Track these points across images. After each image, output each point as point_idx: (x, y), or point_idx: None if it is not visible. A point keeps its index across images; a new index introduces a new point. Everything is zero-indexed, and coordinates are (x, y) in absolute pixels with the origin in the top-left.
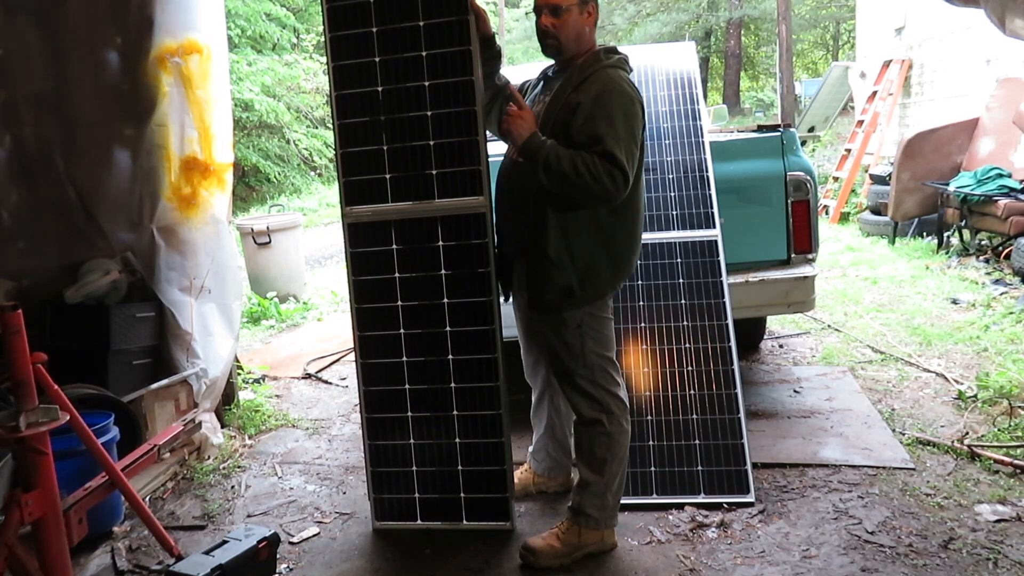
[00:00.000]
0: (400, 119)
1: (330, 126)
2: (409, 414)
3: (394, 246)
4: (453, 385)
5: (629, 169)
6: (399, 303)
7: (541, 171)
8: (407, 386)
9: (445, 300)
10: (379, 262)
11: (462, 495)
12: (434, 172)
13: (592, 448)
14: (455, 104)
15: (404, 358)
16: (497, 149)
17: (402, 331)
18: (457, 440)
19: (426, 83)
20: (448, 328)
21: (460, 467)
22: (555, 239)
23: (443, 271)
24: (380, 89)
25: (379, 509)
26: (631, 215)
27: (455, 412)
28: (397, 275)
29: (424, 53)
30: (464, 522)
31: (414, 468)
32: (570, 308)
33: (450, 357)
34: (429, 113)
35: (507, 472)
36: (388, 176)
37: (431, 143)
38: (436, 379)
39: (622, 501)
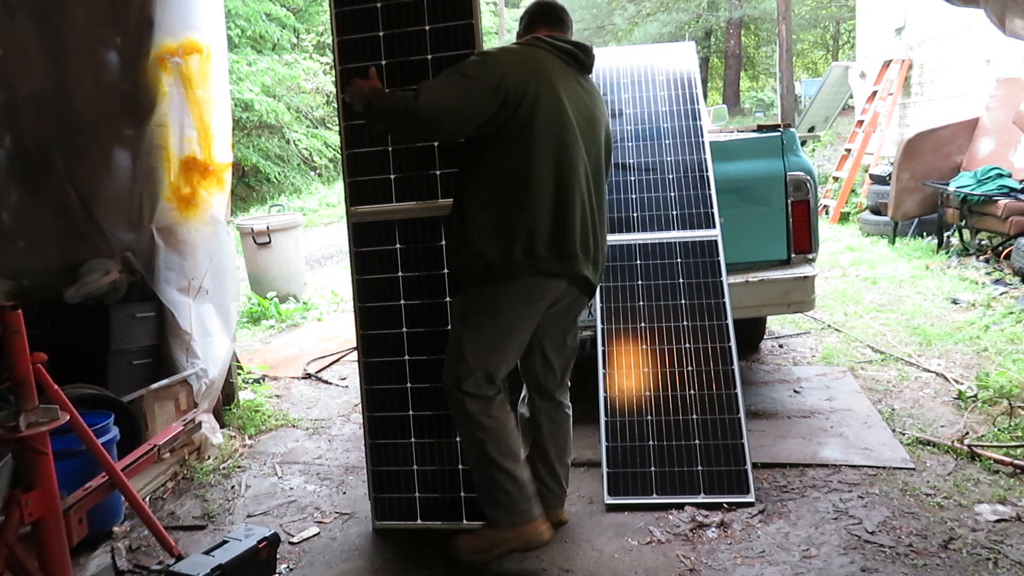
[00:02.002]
0: None
1: (330, 126)
2: (411, 413)
3: (398, 245)
4: (409, 385)
5: (431, 96)
6: (402, 302)
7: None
8: (408, 384)
9: (448, 299)
10: (383, 261)
11: (462, 494)
12: (438, 172)
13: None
14: None
15: (407, 356)
16: None
17: (404, 330)
18: (457, 439)
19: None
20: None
21: (460, 467)
22: (453, 218)
23: (446, 270)
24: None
25: (379, 509)
26: (516, 187)
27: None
28: (400, 274)
29: (429, 56)
30: (464, 522)
31: (415, 467)
32: (459, 288)
33: None
34: None
35: None
36: (392, 176)
37: (434, 144)
38: (439, 378)
39: (622, 501)
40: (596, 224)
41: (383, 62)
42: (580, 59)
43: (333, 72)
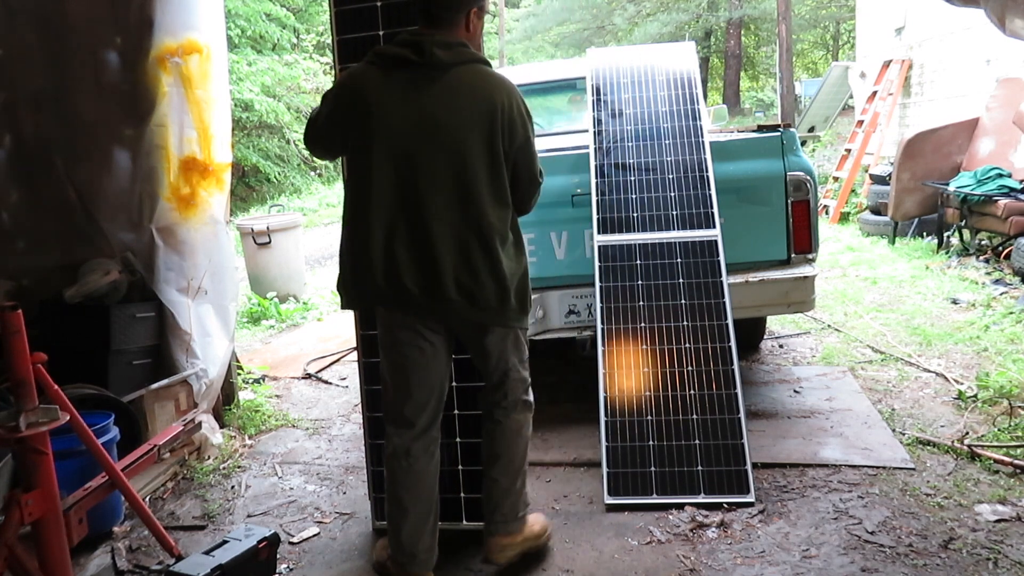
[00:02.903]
0: None
1: None
2: None
3: None
4: (454, 384)
5: (312, 127)
6: None
7: None
8: None
9: None
10: None
11: (462, 495)
12: None
13: None
14: None
15: None
16: None
17: None
18: (458, 439)
19: None
20: None
21: (460, 467)
22: None
23: None
24: None
25: (379, 509)
26: (347, 208)
27: (456, 411)
28: None
29: None
30: (464, 522)
31: None
32: None
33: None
34: None
35: None
36: None
37: None
38: None
39: (622, 501)
40: (446, 250)
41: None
42: (404, 61)
43: (333, 72)
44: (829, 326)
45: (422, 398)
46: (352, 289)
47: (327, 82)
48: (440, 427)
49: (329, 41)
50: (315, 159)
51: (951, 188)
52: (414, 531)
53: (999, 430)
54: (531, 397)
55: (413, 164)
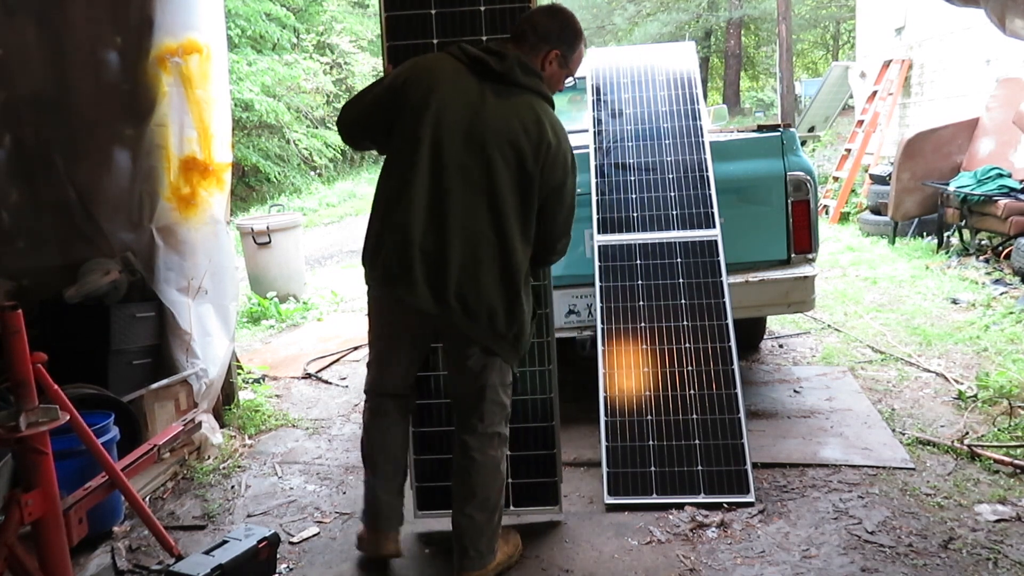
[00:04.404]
0: None
1: (330, 126)
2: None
3: None
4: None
5: (358, 103)
6: None
7: None
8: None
9: None
10: None
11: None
12: None
13: None
14: None
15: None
16: None
17: None
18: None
19: None
20: None
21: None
22: None
23: None
24: None
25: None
26: (379, 191)
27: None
28: None
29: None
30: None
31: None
32: None
33: None
34: None
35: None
36: None
37: None
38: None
39: (622, 501)
40: (457, 249)
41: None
42: (484, 67)
43: (380, 50)
44: (829, 326)
45: (394, 374)
46: (369, 268)
47: (327, 82)
48: (416, 391)
49: (329, 41)
50: (348, 147)
51: (951, 188)
52: (382, 489)
53: (999, 430)
54: (506, 431)
55: (453, 165)
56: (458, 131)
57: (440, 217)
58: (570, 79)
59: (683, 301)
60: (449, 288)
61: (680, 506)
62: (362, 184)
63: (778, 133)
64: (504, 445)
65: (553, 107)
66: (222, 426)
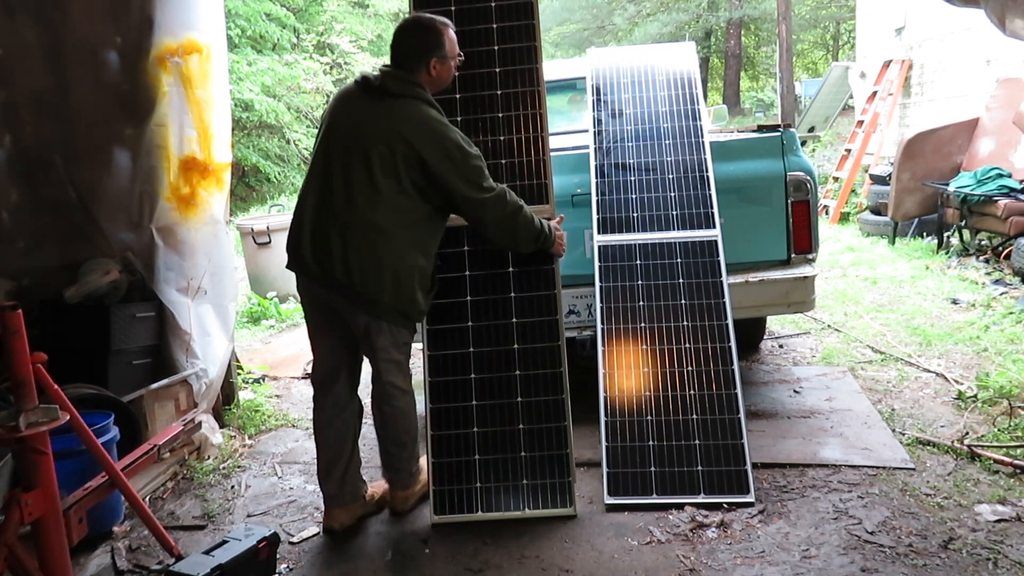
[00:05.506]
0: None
1: None
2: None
3: (465, 248)
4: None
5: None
6: (467, 298)
7: None
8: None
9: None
10: (450, 262)
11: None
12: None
13: None
14: (524, 131)
15: (472, 348)
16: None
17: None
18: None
19: (499, 115)
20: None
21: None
22: None
23: (511, 268)
24: (459, 119)
25: (438, 501)
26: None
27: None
28: (468, 273)
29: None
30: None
31: None
32: None
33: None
34: (502, 138)
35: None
36: None
37: (502, 162)
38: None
39: (622, 501)
40: (336, 234)
41: (457, 95)
42: (368, 86)
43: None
44: (829, 326)
45: (329, 362)
46: (291, 263)
47: (327, 82)
48: (353, 391)
49: (329, 41)
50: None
51: (951, 188)
52: (325, 473)
53: (999, 430)
54: (403, 383)
55: (336, 161)
56: (342, 139)
57: (328, 210)
58: (460, 57)
59: (683, 301)
60: (336, 267)
61: (680, 506)
62: None
63: (778, 133)
64: (404, 395)
65: (432, 106)
66: (222, 426)
